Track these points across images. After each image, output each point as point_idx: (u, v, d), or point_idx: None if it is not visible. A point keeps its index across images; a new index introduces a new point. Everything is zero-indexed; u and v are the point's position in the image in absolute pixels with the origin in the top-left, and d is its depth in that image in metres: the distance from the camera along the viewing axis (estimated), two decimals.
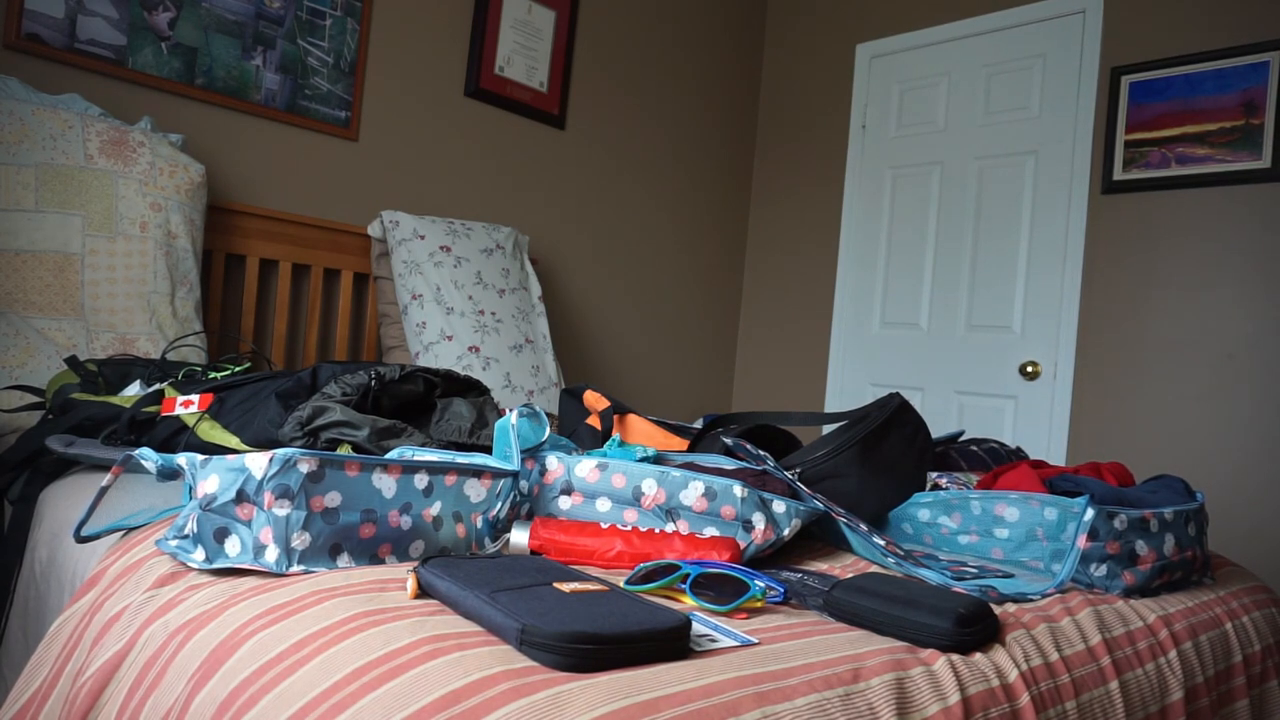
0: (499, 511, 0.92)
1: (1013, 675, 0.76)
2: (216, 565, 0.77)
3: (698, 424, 1.57)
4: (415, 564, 0.80)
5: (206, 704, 0.63)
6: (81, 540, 0.87)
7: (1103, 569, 1.01)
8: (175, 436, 1.23)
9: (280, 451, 0.76)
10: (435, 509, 0.85)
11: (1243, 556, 2.48)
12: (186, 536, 0.79)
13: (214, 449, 1.17)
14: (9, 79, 1.76)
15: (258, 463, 0.76)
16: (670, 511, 0.97)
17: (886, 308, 3.32)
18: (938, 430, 3.14)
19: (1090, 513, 0.99)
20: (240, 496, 0.76)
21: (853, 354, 3.39)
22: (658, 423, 1.50)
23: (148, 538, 0.88)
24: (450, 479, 0.86)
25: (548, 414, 2.28)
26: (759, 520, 0.96)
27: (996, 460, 1.66)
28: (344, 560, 0.79)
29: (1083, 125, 2.83)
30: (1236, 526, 2.49)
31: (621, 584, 0.81)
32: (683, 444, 1.40)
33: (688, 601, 0.78)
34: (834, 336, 3.44)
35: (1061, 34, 2.92)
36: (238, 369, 1.50)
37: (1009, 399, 2.96)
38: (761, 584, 0.77)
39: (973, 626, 0.76)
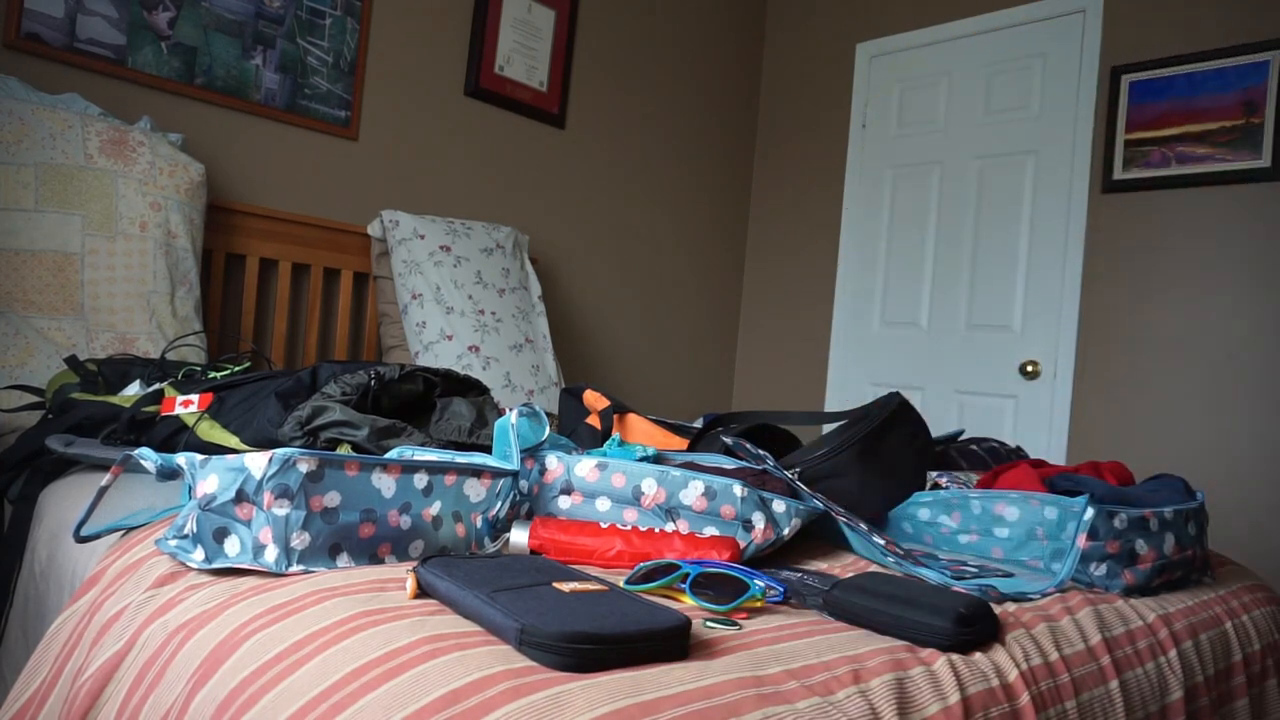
0: (498, 511, 0.92)
1: (1012, 675, 0.76)
2: (216, 565, 0.77)
3: (698, 424, 1.57)
4: (415, 564, 0.80)
5: (206, 704, 0.63)
6: (81, 540, 0.87)
7: (1103, 568, 1.01)
8: (175, 436, 1.23)
9: (279, 451, 0.75)
10: (435, 508, 0.85)
11: (1243, 556, 2.48)
12: (186, 536, 0.79)
13: (214, 449, 1.17)
14: (9, 79, 1.76)
15: (257, 462, 0.76)
16: (670, 511, 0.97)
17: (886, 307, 3.32)
18: (937, 430, 3.14)
19: (1090, 512, 0.99)
20: (240, 496, 0.76)
21: (853, 353, 3.39)
22: (658, 422, 1.50)
23: (147, 537, 0.88)
24: (450, 478, 0.86)
25: (548, 413, 2.28)
26: (759, 520, 0.96)
27: (996, 460, 1.66)
28: (343, 560, 0.79)
29: (1083, 124, 2.83)
30: (1236, 526, 2.49)
31: (621, 584, 0.81)
32: (683, 443, 1.40)
33: (688, 601, 0.78)
34: (834, 336, 3.44)
35: (1061, 33, 2.92)
36: (237, 369, 1.50)
37: (1009, 398, 2.96)
38: (761, 583, 0.77)
39: (972, 626, 0.76)
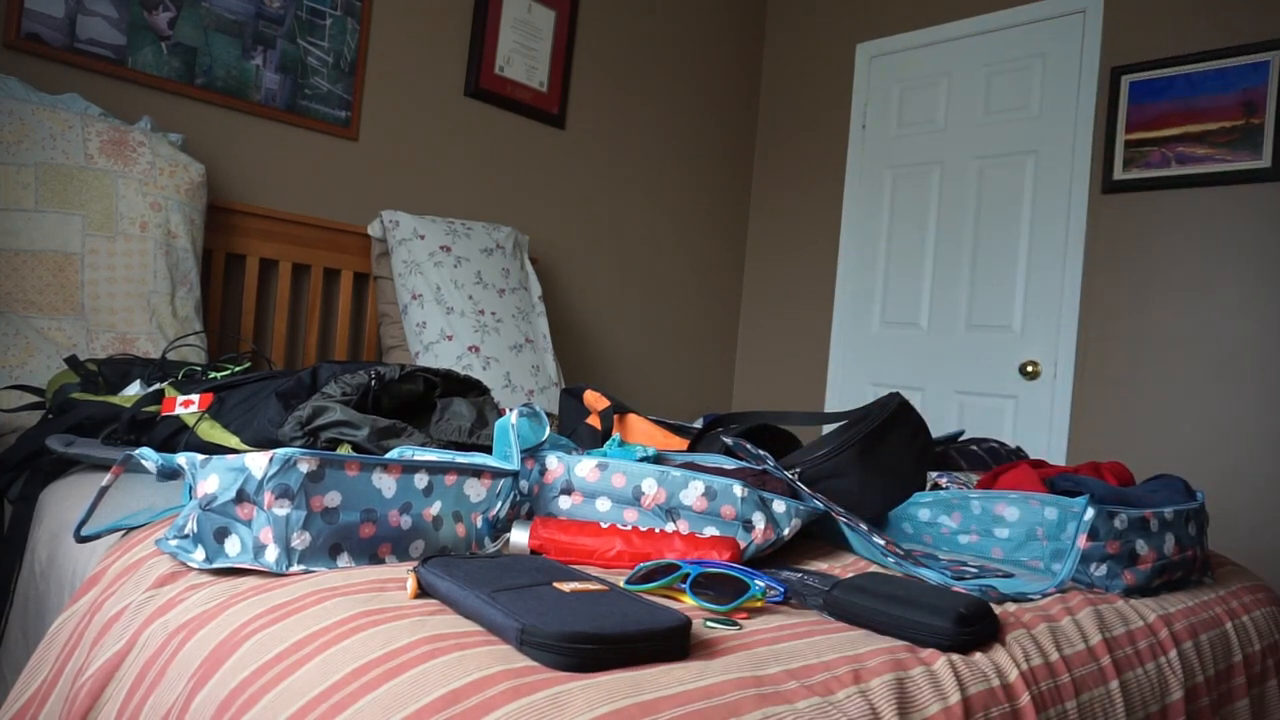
0: (499, 511, 0.92)
1: (1013, 675, 0.76)
2: (216, 565, 0.77)
3: (698, 424, 1.57)
4: (415, 564, 0.80)
5: (206, 703, 0.63)
6: (81, 540, 0.87)
7: (1103, 568, 1.01)
8: (175, 436, 1.23)
9: (280, 451, 0.75)
10: (435, 508, 0.85)
11: (1243, 556, 2.48)
12: (186, 536, 0.79)
13: (214, 449, 1.17)
14: (9, 79, 1.76)
15: (258, 462, 0.76)
16: (670, 511, 0.97)
17: (886, 307, 3.32)
18: (938, 430, 3.14)
19: (1090, 512, 0.99)
20: (240, 496, 0.76)
21: (853, 353, 3.39)
22: (658, 422, 1.50)
23: (148, 537, 0.88)
24: (450, 478, 0.86)
25: (548, 414, 2.28)
26: (759, 520, 0.96)
27: (996, 460, 1.66)
28: (344, 560, 0.79)
29: (1083, 125, 2.83)
30: (1236, 526, 2.49)
31: (621, 584, 0.81)
32: (683, 444, 1.40)
33: (688, 601, 0.78)
34: (834, 336, 3.44)
35: (1061, 34, 2.92)
36: (238, 369, 1.50)
37: (1009, 399, 2.96)
38: (761, 584, 0.77)
39: (973, 626, 0.76)
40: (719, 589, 0.79)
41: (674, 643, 0.63)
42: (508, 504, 0.93)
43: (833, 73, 3.53)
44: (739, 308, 3.76)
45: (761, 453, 1.12)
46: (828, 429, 3.24)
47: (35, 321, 1.63)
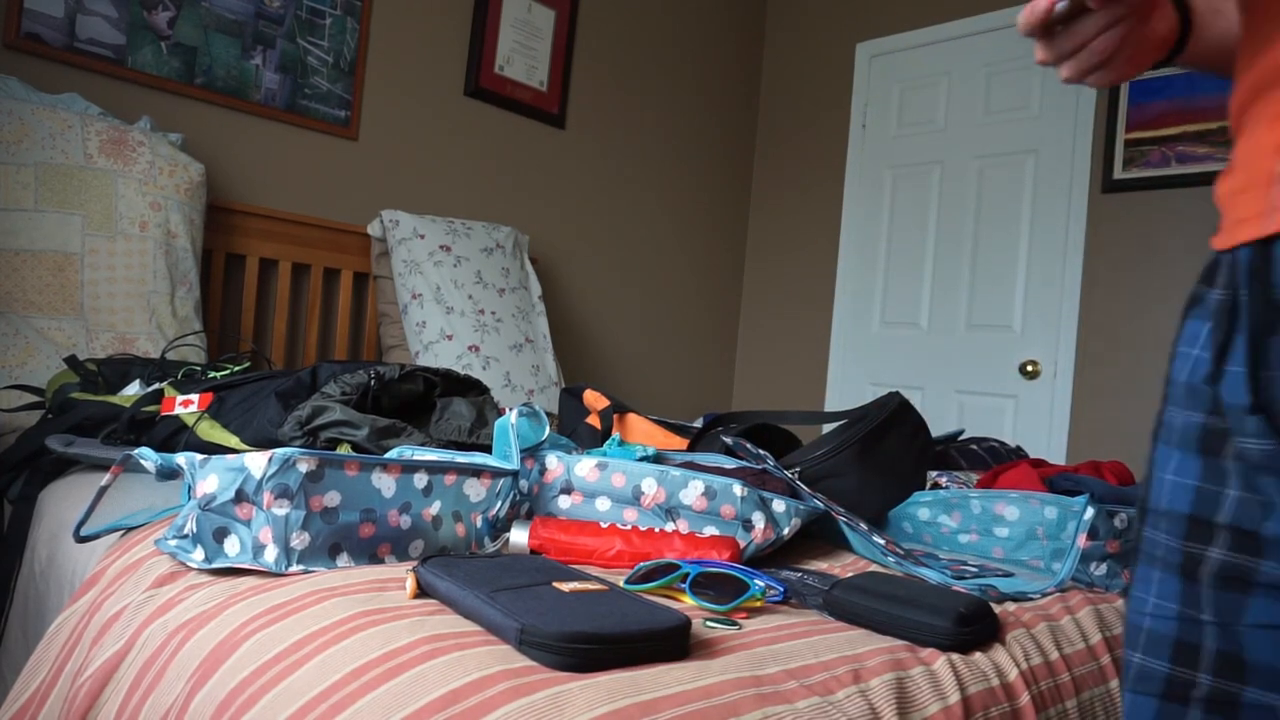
0: (498, 511, 0.92)
1: (1013, 674, 0.76)
2: (216, 565, 0.77)
3: (698, 423, 1.57)
4: (414, 563, 0.80)
5: (206, 703, 0.63)
6: (81, 540, 0.87)
7: (1103, 568, 1.01)
8: (175, 436, 1.23)
9: (279, 451, 0.75)
10: (435, 508, 0.84)
11: None
12: (186, 536, 0.79)
13: (213, 448, 1.17)
14: (9, 79, 1.76)
15: (257, 462, 0.76)
16: (670, 511, 0.97)
17: (886, 307, 3.31)
18: (937, 429, 3.14)
19: (1090, 511, 0.99)
20: (239, 496, 0.76)
21: (853, 353, 3.39)
22: (658, 422, 1.50)
23: (147, 537, 0.88)
24: (450, 478, 0.86)
25: (548, 413, 2.28)
26: (759, 519, 0.96)
27: (996, 459, 1.66)
28: (343, 560, 0.79)
29: (1083, 124, 2.83)
30: None
31: (621, 583, 0.81)
32: (683, 443, 1.40)
33: (688, 601, 0.78)
34: (834, 336, 3.44)
35: None
36: (237, 368, 1.50)
37: (1009, 398, 2.96)
38: (761, 583, 0.77)
39: (973, 625, 0.76)
40: (719, 589, 0.78)
41: (674, 643, 0.63)
42: (507, 504, 0.93)
43: (833, 72, 3.53)
44: (739, 308, 3.76)
45: (761, 452, 1.12)
46: (827, 429, 3.24)
47: (35, 321, 1.63)
